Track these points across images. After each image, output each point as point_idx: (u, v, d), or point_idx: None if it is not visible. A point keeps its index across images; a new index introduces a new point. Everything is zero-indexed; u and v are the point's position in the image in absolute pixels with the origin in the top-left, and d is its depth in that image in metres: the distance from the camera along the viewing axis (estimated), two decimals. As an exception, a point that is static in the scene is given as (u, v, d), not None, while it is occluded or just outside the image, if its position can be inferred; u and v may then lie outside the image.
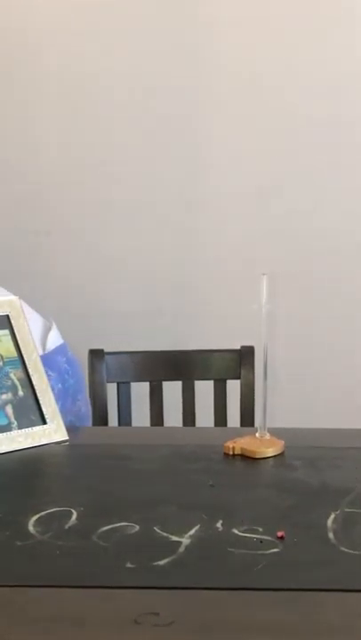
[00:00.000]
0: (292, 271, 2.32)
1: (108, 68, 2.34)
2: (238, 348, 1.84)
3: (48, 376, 1.46)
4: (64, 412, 1.47)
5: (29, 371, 1.43)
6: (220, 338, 1.89)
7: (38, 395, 1.43)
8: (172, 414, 1.87)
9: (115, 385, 1.95)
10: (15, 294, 1.52)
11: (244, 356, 1.84)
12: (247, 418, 1.81)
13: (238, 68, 2.30)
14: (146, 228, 2.42)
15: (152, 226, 2.41)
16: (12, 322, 1.45)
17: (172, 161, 2.21)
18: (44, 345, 1.55)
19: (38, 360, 1.46)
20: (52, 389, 1.45)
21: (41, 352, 1.51)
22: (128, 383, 1.95)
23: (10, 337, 1.45)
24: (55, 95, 2.38)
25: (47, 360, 1.52)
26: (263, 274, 1.38)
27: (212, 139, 2.34)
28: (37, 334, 1.54)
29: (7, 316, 1.46)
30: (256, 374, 1.75)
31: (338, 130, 2.31)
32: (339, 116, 2.31)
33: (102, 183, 2.42)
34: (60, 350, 1.58)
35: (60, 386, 1.55)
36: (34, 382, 1.43)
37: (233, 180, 2.37)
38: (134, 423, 1.81)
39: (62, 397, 1.55)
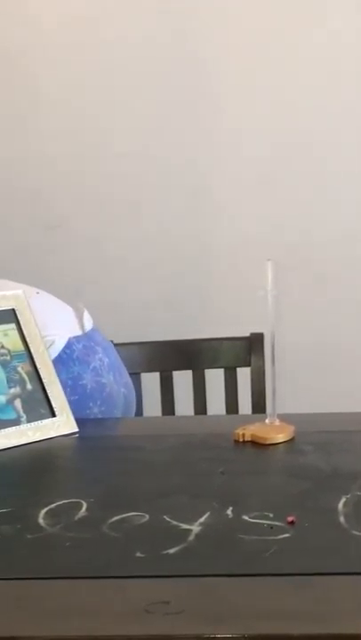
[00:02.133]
0: (301, 256, 2.31)
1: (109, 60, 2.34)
2: (248, 335, 1.84)
3: (95, 351, 1.52)
4: (116, 384, 1.54)
5: (37, 364, 1.43)
6: (230, 325, 1.88)
7: (47, 388, 1.43)
8: (184, 404, 1.87)
9: (125, 376, 1.95)
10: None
11: (254, 343, 1.83)
12: (258, 405, 1.81)
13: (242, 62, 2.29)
14: (153, 218, 2.42)
15: (159, 215, 2.41)
16: (19, 316, 1.45)
17: (178, 148, 2.21)
18: (82, 325, 1.57)
19: (46, 353, 1.46)
20: (102, 363, 1.51)
21: (81, 332, 1.55)
22: (138, 374, 1.94)
23: (17, 331, 1.44)
24: (60, 85, 2.38)
25: (90, 338, 1.57)
26: (268, 259, 1.37)
27: (217, 126, 2.34)
28: (72, 317, 1.57)
29: (13, 310, 1.45)
30: (266, 361, 1.74)
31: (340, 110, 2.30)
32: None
33: (110, 175, 2.42)
34: (95, 329, 1.61)
35: (107, 360, 1.57)
36: (42, 375, 1.43)
37: (238, 165, 2.36)
38: (145, 414, 1.81)
39: (113, 370, 1.58)
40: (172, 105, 2.31)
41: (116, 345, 1.95)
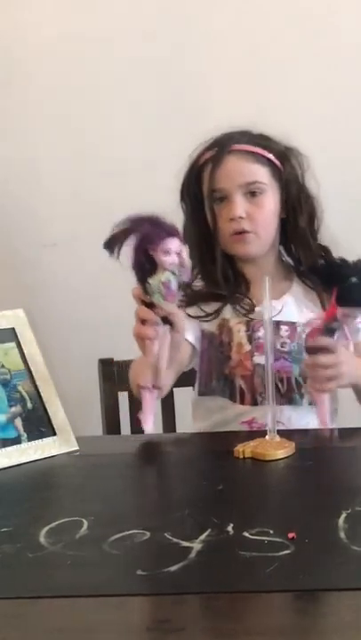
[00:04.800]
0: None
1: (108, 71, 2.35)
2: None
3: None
4: None
5: (37, 383, 1.44)
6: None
7: (47, 406, 1.43)
8: (185, 420, 1.87)
9: (125, 394, 1.95)
10: (22, 306, 1.53)
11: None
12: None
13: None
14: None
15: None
16: (19, 335, 1.46)
17: (173, 164, 2.22)
18: None
19: (46, 372, 1.46)
20: None
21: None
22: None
23: (17, 350, 1.45)
24: (55, 99, 2.39)
25: None
26: (266, 276, 1.38)
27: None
28: None
29: (13, 328, 1.46)
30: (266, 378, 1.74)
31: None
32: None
33: (107, 192, 2.42)
34: None
35: None
36: (42, 394, 1.43)
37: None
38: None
39: None
40: (174, 124, 2.32)
41: (115, 361, 1.95)
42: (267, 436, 1.35)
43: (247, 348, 1.67)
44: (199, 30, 2.30)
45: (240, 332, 1.69)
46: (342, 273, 1.38)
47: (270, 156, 1.66)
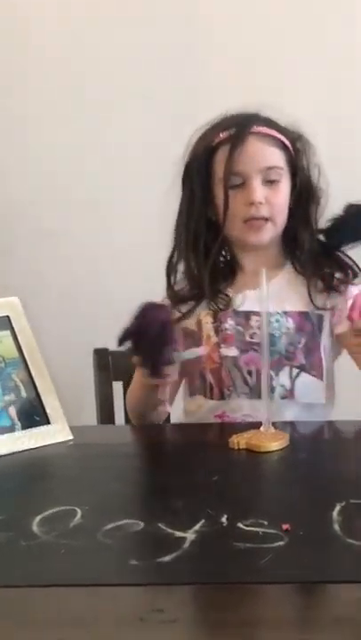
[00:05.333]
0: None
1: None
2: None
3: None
4: None
5: (32, 371, 1.43)
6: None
7: (42, 395, 1.43)
8: (180, 411, 1.87)
9: (120, 384, 1.94)
10: (17, 295, 1.52)
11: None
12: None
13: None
14: (148, 226, 2.41)
15: (154, 223, 2.41)
16: (13, 323, 1.45)
17: (173, 151, 2.22)
18: None
19: (41, 360, 1.46)
20: None
21: None
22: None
23: (11, 338, 1.44)
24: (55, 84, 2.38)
25: None
26: (263, 270, 1.37)
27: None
28: None
29: (7, 317, 1.45)
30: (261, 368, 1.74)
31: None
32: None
33: (106, 180, 2.42)
34: None
35: None
36: (37, 383, 1.43)
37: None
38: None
39: None
40: (175, 116, 2.31)
41: (111, 352, 1.95)
42: (261, 428, 1.35)
43: (214, 339, 1.62)
44: (199, 17, 2.29)
45: (208, 324, 1.64)
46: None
47: (287, 141, 1.60)
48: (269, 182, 1.57)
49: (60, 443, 1.38)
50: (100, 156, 2.41)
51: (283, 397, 1.57)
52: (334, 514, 1.03)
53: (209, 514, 1.04)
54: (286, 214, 1.60)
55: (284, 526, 0.99)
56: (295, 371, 1.56)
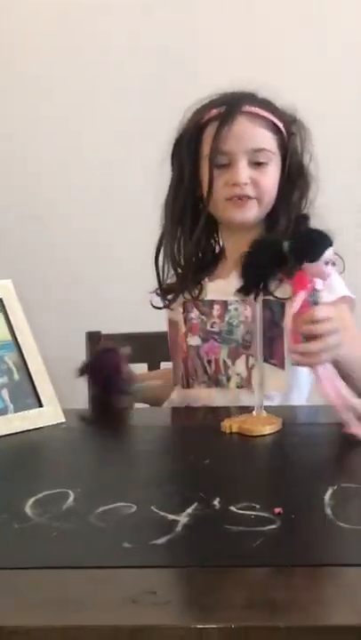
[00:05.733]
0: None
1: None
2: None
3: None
4: None
5: (25, 354, 1.43)
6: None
7: (34, 378, 1.43)
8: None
9: (113, 367, 1.94)
10: (10, 277, 1.52)
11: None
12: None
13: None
14: (141, 212, 2.41)
15: (148, 209, 2.40)
16: (6, 305, 1.45)
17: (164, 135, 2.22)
18: None
19: (33, 344, 1.46)
20: None
21: None
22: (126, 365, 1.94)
23: (3, 321, 1.44)
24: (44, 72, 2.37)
25: None
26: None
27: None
28: None
29: (0, 299, 1.45)
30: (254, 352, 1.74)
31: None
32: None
33: (101, 168, 2.41)
34: None
35: None
36: (29, 366, 1.43)
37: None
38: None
39: None
40: (167, 95, 2.31)
41: (103, 335, 1.95)
42: (254, 412, 1.36)
43: (183, 329, 1.64)
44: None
45: (179, 314, 1.65)
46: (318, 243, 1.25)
47: (280, 124, 1.57)
48: (257, 164, 1.54)
49: (52, 425, 1.39)
50: (100, 144, 2.40)
51: (239, 387, 1.57)
52: (326, 497, 1.03)
53: (201, 497, 1.04)
54: (274, 197, 1.58)
55: (276, 510, 0.99)
56: (252, 359, 1.55)
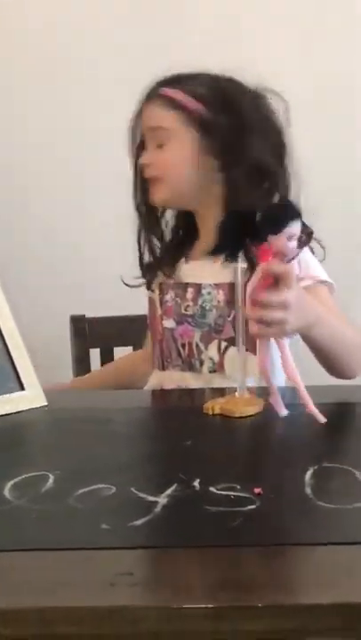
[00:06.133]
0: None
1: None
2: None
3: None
4: None
5: (5, 338, 1.42)
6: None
7: (15, 362, 1.42)
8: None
9: (97, 351, 1.94)
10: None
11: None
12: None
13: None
14: (127, 191, 2.40)
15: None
16: (-15, 290, 1.44)
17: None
18: None
19: (14, 328, 1.45)
20: None
21: None
22: (111, 348, 1.94)
23: (-17, 305, 1.43)
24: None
25: None
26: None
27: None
28: None
29: (-20, 283, 1.44)
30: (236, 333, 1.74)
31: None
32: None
33: (90, 149, 2.40)
34: None
35: None
36: (10, 350, 1.42)
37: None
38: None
39: None
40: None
41: (87, 318, 1.94)
42: (236, 393, 1.35)
43: (159, 311, 1.64)
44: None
45: (157, 295, 1.65)
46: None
47: (184, 98, 1.51)
48: (158, 144, 1.54)
49: (34, 409, 1.38)
50: (84, 127, 2.39)
51: (211, 371, 1.56)
52: (307, 477, 1.03)
53: (181, 478, 1.03)
54: (187, 174, 1.54)
55: (256, 490, 0.99)
56: (224, 344, 1.55)
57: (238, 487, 1.00)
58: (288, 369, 1.24)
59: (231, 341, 1.54)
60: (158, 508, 0.96)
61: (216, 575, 0.82)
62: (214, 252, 1.31)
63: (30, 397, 1.39)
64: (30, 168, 2.43)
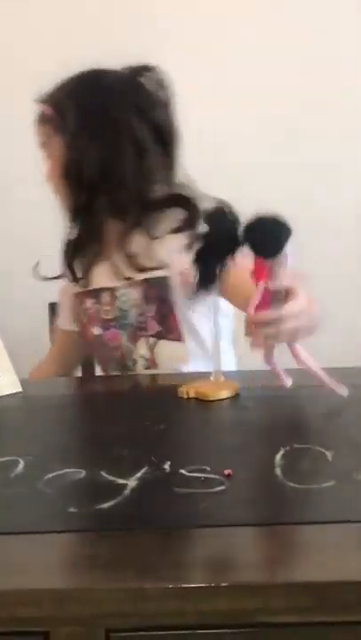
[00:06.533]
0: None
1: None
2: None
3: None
4: None
5: (-22, 325, 1.42)
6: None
7: (-10, 349, 1.41)
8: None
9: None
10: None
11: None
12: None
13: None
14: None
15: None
16: None
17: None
18: None
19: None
20: None
21: None
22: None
23: None
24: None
25: None
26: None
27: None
28: None
29: None
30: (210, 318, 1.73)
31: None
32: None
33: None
34: None
35: None
36: (-17, 338, 1.41)
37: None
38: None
39: None
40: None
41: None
42: (211, 377, 1.35)
43: (84, 320, 1.64)
44: None
45: (76, 305, 1.66)
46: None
47: (46, 110, 1.53)
48: (47, 157, 1.56)
49: (8, 395, 1.37)
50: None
51: (146, 368, 1.57)
52: (277, 458, 1.02)
53: (152, 461, 1.03)
54: (57, 177, 1.55)
55: (226, 471, 0.98)
56: (152, 340, 1.55)
57: (208, 469, 1.00)
58: (300, 358, 1.23)
59: (158, 335, 1.55)
60: (127, 491, 0.95)
61: (180, 555, 0.81)
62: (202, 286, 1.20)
63: (4, 384, 1.38)
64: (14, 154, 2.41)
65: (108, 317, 1.58)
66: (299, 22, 2.36)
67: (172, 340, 1.53)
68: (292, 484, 0.95)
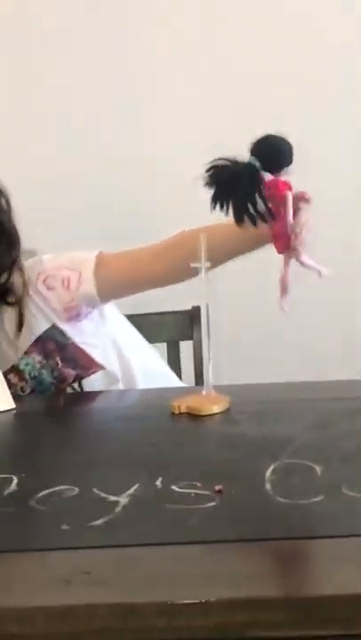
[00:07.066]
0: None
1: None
2: (189, 308, 1.83)
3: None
4: None
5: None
6: (172, 299, 1.87)
7: (-17, 366, 1.42)
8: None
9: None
10: None
11: (195, 316, 1.83)
12: (201, 378, 1.81)
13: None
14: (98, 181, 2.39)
15: (107, 181, 2.38)
16: None
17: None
18: None
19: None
20: None
21: None
22: (82, 349, 1.93)
23: None
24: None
25: None
26: (201, 233, 1.36)
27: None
28: None
29: None
30: (202, 333, 1.74)
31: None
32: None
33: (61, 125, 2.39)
34: None
35: None
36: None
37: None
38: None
39: None
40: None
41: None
42: (203, 392, 1.36)
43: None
44: None
45: None
46: None
47: None
48: None
49: (1, 412, 1.38)
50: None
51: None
52: (268, 473, 1.04)
53: (144, 478, 1.04)
54: None
55: (217, 487, 0.99)
56: (76, 385, 1.55)
57: (199, 485, 1.01)
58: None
59: (80, 378, 1.53)
60: (119, 508, 0.96)
61: (171, 572, 0.82)
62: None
63: (-2, 400, 1.39)
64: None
65: (26, 393, 1.54)
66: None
67: (94, 372, 1.54)
68: (282, 500, 0.96)
